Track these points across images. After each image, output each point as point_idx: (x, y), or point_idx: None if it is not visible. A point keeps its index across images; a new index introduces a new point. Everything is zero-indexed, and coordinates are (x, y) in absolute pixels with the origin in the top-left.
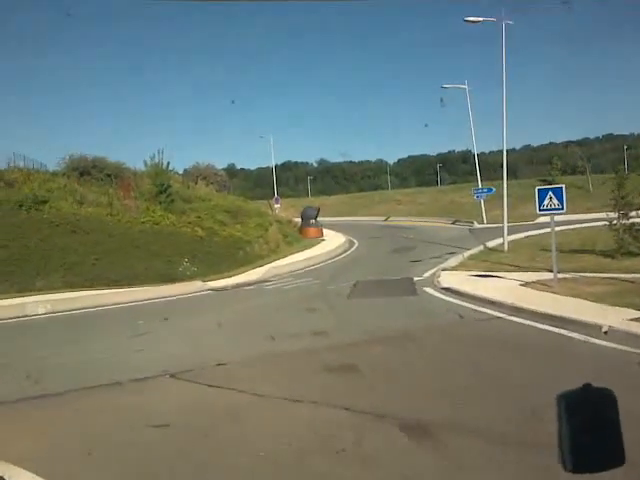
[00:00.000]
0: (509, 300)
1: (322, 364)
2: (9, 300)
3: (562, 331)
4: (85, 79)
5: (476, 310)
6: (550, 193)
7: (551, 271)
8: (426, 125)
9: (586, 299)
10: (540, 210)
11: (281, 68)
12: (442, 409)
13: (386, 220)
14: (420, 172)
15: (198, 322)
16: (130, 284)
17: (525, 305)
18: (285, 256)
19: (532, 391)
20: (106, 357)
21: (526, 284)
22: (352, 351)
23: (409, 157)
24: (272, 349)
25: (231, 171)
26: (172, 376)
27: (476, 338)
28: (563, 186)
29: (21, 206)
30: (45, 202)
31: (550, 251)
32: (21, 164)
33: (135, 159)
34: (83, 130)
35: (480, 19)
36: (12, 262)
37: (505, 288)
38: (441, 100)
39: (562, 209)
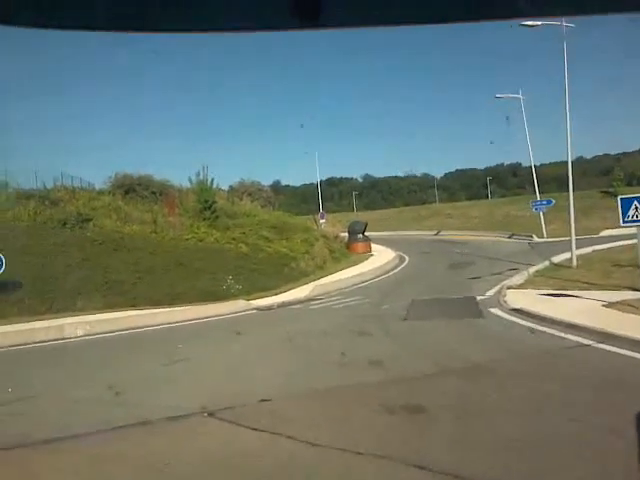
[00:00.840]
0: (597, 324)
1: (382, 403)
2: (48, 321)
3: None
4: (138, 99)
5: (557, 336)
6: (636, 203)
7: (634, 289)
8: (491, 142)
9: None
10: (625, 222)
11: (324, 87)
12: (541, 470)
13: (437, 234)
14: (469, 186)
15: (241, 347)
16: (172, 303)
17: (616, 331)
18: (332, 273)
19: None
20: (139, 388)
21: (610, 305)
22: (416, 387)
23: (456, 171)
24: (322, 381)
25: (276, 188)
26: (210, 414)
27: (564, 371)
28: None
29: (65, 224)
30: (89, 220)
31: (626, 267)
32: (68, 183)
33: (181, 177)
34: (131, 149)
35: (538, 23)
36: (53, 281)
37: (587, 310)
38: (507, 119)
39: None
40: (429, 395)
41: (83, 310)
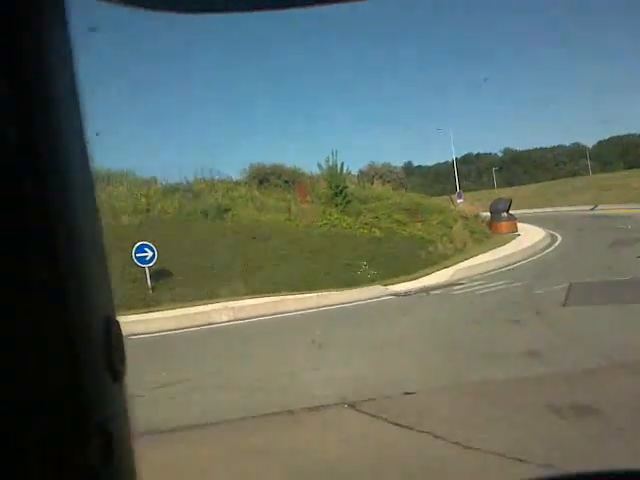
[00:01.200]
0: None
1: (544, 401)
2: (195, 308)
3: None
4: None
5: None
6: None
7: None
8: None
9: None
10: None
11: (456, 61)
12: None
13: (593, 209)
14: (626, 154)
15: (380, 334)
16: (309, 289)
17: None
18: (474, 255)
19: None
20: (281, 376)
21: None
22: (584, 383)
23: (611, 138)
24: (473, 374)
25: (408, 169)
26: (351, 406)
27: None
28: None
29: (206, 215)
30: (228, 210)
31: None
32: (207, 176)
33: (311, 163)
34: (261, 138)
35: None
36: (199, 270)
37: None
38: None
39: None
40: (602, 393)
41: (228, 297)
